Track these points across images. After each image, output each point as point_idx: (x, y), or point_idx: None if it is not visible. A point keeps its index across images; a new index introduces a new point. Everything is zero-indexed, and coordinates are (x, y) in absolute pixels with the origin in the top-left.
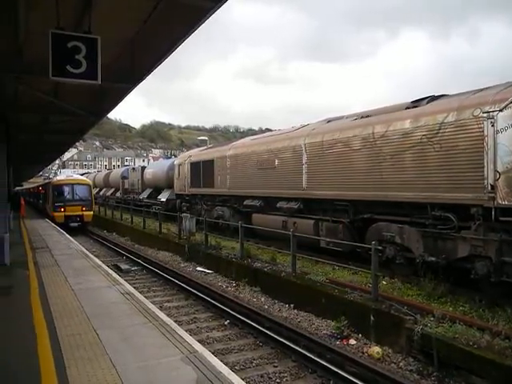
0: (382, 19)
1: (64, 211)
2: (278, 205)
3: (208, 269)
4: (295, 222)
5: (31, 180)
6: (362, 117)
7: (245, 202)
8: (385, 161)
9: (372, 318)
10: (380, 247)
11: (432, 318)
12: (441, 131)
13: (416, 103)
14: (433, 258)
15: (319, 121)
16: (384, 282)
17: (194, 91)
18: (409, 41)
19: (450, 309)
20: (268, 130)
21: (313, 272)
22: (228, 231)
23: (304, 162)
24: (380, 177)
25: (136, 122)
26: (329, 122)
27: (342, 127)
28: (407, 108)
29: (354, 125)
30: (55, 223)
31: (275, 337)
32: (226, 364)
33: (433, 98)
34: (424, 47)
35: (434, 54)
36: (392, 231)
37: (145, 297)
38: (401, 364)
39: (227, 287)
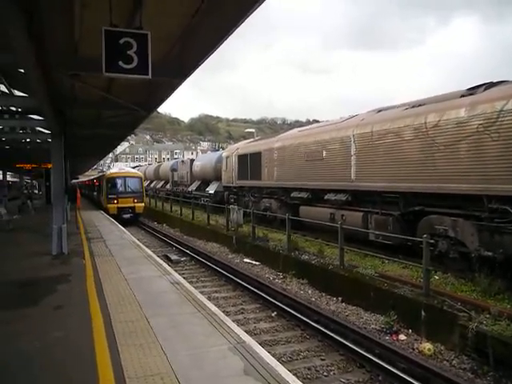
0: (431, 4)
1: (117, 203)
2: (325, 197)
3: (255, 260)
4: (343, 215)
5: (86, 173)
6: (413, 106)
7: (292, 194)
8: (438, 151)
9: (423, 313)
10: (432, 241)
11: (488, 316)
12: (499, 119)
13: (472, 91)
14: (489, 253)
15: (369, 111)
16: (436, 277)
17: (238, 83)
18: (460, 26)
19: (508, 306)
20: (315, 121)
21: (361, 265)
22: (275, 223)
23: (353, 153)
24: (433, 168)
25: (185, 116)
26: (379, 111)
27: (392, 117)
28: (462, 96)
29: (406, 114)
30: (109, 214)
31: (323, 330)
32: (273, 355)
33: (490, 85)
34: (477, 32)
35: (488, 39)
36: (445, 224)
37: (193, 287)
38: (454, 362)
39: (274, 279)
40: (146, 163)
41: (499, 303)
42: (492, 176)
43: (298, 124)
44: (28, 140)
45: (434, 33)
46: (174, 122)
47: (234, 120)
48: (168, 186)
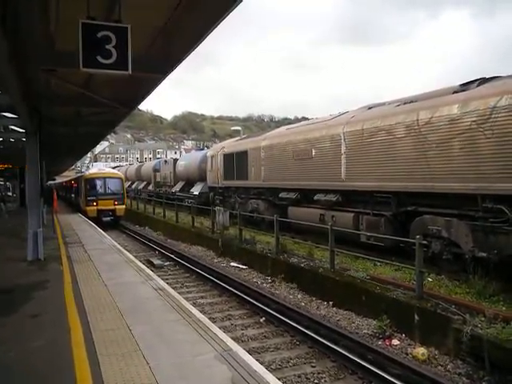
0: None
1: (96, 205)
2: (315, 197)
3: (242, 264)
4: (333, 216)
5: (64, 174)
6: (405, 103)
7: (280, 195)
8: (431, 149)
9: (416, 317)
10: (425, 242)
11: (483, 318)
12: (493, 116)
13: (465, 87)
14: (484, 254)
15: (359, 108)
16: (429, 279)
17: (224, 80)
18: (450, 21)
19: (504, 308)
20: (304, 118)
21: (353, 268)
22: (263, 225)
23: (343, 151)
24: (426, 167)
25: (167, 113)
26: (370, 108)
27: (383, 114)
28: (455, 92)
29: (397, 111)
30: (88, 218)
31: (313, 336)
32: (261, 363)
33: (483, 81)
34: (467, 27)
35: (480, 34)
36: (438, 225)
37: (178, 293)
38: (448, 367)
39: (262, 283)
40: (127, 163)
41: (494, 305)
42: (486, 174)
43: (286, 122)
44: (0, 139)
45: (425, 27)
46: (157, 119)
47: (220, 118)
48: (150, 187)
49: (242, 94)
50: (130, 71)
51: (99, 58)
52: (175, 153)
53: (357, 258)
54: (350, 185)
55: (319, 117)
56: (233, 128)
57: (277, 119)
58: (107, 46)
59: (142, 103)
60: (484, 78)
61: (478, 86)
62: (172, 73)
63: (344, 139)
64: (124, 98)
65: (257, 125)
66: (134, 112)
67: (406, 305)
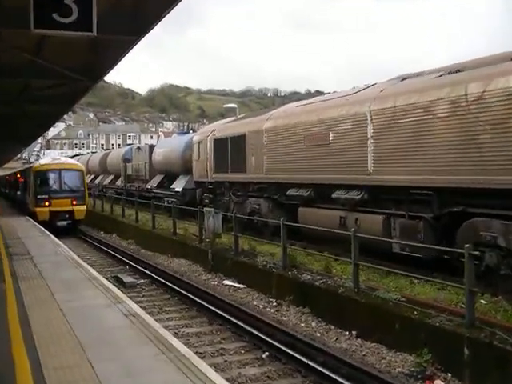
0: None
1: (49, 206)
2: (333, 195)
3: (239, 282)
4: (357, 219)
5: (7, 165)
6: (449, 72)
7: (288, 192)
8: (484, 133)
9: (466, 351)
10: (477, 252)
11: None
12: None
13: None
14: None
15: (390, 79)
16: (483, 301)
17: (214, 45)
18: None
19: None
20: (318, 93)
21: (382, 287)
22: (265, 231)
23: (369, 135)
24: (477, 155)
25: (141, 87)
26: (403, 80)
27: (421, 87)
28: None
29: (440, 83)
30: (38, 221)
31: (332, 376)
32: None
33: None
34: None
35: None
36: (494, 230)
37: (155, 320)
38: None
39: (265, 307)
40: (89, 151)
41: None
42: None
43: (295, 97)
44: None
45: None
46: (128, 94)
47: (209, 92)
48: (119, 183)
49: (238, 62)
50: (94, 32)
51: (55, 16)
52: (151, 137)
53: (388, 273)
54: (379, 179)
55: (338, 91)
56: (226, 105)
57: (283, 93)
58: (66, 1)
59: (109, 74)
60: None
61: None
62: (147, 35)
63: (371, 119)
64: (86, 67)
65: (257, 101)
66: (99, 85)
67: (453, 335)
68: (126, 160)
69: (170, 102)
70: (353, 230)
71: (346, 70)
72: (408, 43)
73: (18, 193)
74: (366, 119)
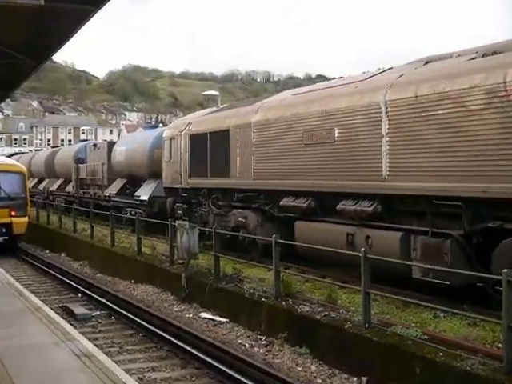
0: None
1: None
2: (338, 206)
3: (220, 315)
4: (369, 236)
5: None
6: (484, 54)
7: (282, 202)
8: None
9: None
10: None
11: None
12: None
13: None
14: None
15: (410, 62)
16: None
17: (190, 19)
18: None
19: None
20: (321, 78)
21: (400, 322)
22: (254, 251)
23: (384, 132)
24: None
25: (99, 69)
26: (427, 63)
27: (450, 73)
28: None
29: (472, 68)
30: None
31: None
32: None
33: None
34: None
35: None
36: None
37: (114, 361)
38: None
39: (253, 347)
40: (32, 148)
41: None
42: None
43: (291, 83)
44: None
45: None
46: (81, 78)
47: (184, 75)
48: (70, 188)
49: (219, 39)
50: (41, 0)
51: None
52: (111, 132)
53: (406, 304)
54: (396, 186)
55: (346, 76)
56: (205, 92)
57: (276, 78)
58: None
59: (59, 52)
60: None
61: None
62: (107, 4)
63: (386, 112)
64: (30, 44)
65: (244, 87)
66: (46, 66)
67: (488, 382)
68: (79, 160)
69: (134, 88)
70: (363, 250)
71: (354, 51)
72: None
73: None
74: (380, 112)
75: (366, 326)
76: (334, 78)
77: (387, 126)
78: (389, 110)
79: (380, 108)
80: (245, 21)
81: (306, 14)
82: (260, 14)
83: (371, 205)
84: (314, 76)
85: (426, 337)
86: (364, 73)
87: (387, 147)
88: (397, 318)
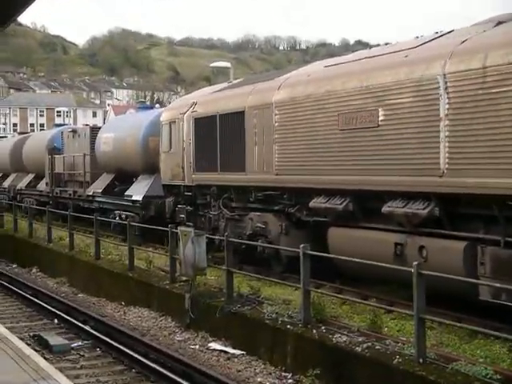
0: None
1: None
2: (384, 208)
3: (233, 346)
4: (423, 247)
5: None
6: None
7: (312, 203)
8: None
9: None
10: None
11: None
12: None
13: None
14: None
15: (477, 23)
16: None
17: None
18: None
19: None
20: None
21: (464, 357)
22: (276, 265)
23: (443, 113)
24: None
25: (78, 35)
26: (498, 24)
27: None
28: None
29: None
30: None
31: None
32: None
33: None
34: None
35: None
36: None
37: None
38: None
39: None
40: None
41: None
42: None
43: (323, 51)
44: None
45: None
46: (56, 46)
47: (186, 42)
48: (43, 186)
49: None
50: None
51: None
52: (94, 115)
53: (472, 334)
54: (458, 183)
55: (391, 43)
56: (214, 64)
57: (304, 46)
58: None
59: (26, 12)
60: None
61: None
62: None
63: (445, 88)
64: None
65: (263, 57)
66: (10, 30)
67: None
68: (54, 150)
69: (123, 59)
70: (415, 264)
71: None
72: None
73: None
74: (438, 88)
75: (421, 361)
76: (378, 45)
77: (446, 106)
78: (449, 85)
79: (437, 83)
80: None
81: None
82: None
83: (426, 206)
84: (351, 42)
85: (498, 376)
86: (417, 38)
87: (446, 133)
88: (460, 351)
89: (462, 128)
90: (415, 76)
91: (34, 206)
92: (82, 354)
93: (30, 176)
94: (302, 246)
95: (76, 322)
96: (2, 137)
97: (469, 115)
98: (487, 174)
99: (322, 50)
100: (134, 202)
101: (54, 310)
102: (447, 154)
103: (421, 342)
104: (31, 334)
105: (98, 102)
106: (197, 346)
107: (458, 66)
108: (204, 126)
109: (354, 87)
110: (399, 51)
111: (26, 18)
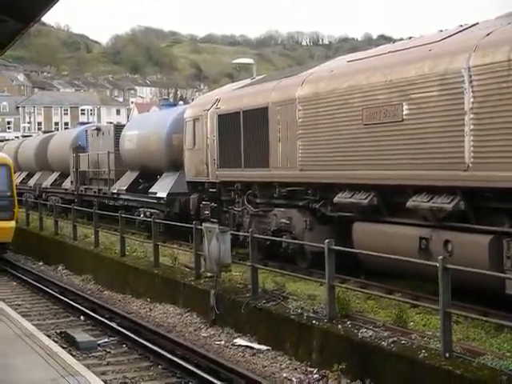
0: None
1: None
2: (409, 203)
3: (259, 342)
4: (448, 241)
5: None
6: None
7: (336, 198)
8: None
9: None
10: None
11: None
12: None
13: None
14: None
15: (502, 16)
16: None
17: None
18: None
19: None
20: (384, 40)
21: (491, 351)
22: (301, 260)
23: (468, 106)
24: None
25: (102, 33)
26: None
27: None
28: None
29: None
30: None
31: None
32: None
33: None
34: None
35: None
36: None
37: None
38: None
39: (302, 382)
40: (19, 134)
41: None
42: None
43: (346, 46)
44: None
45: None
46: (80, 44)
47: (208, 40)
48: (68, 184)
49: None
50: None
51: None
52: (118, 112)
53: (499, 328)
54: (483, 176)
55: (415, 36)
56: (237, 61)
57: (327, 40)
58: None
59: (50, 12)
60: None
61: None
62: None
63: (470, 81)
64: (13, 2)
65: (285, 53)
66: (34, 30)
67: None
68: (79, 149)
69: (147, 57)
70: (441, 258)
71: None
72: None
73: None
74: (462, 81)
75: (447, 355)
76: (401, 40)
77: (471, 100)
78: (473, 78)
79: (462, 76)
80: None
81: None
82: None
83: (451, 201)
84: (374, 37)
85: None
86: (440, 31)
87: (471, 126)
88: (487, 345)
89: (486, 121)
90: (439, 70)
91: (60, 204)
92: (108, 350)
93: (55, 174)
94: (326, 241)
95: (102, 318)
96: (27, 136)
97: (494, 108)
98: None
99: (345, 45)
100: (159, 199)
101: (80, 307)
102: (472, 148)
103: (447, 336)
104: (58, 331)
105: (121, 99)
106: (222, 342)
107: (482, 59)
108: (228, 122)
109: (377, 82)
110: (423, 45)
111: (50, 17)
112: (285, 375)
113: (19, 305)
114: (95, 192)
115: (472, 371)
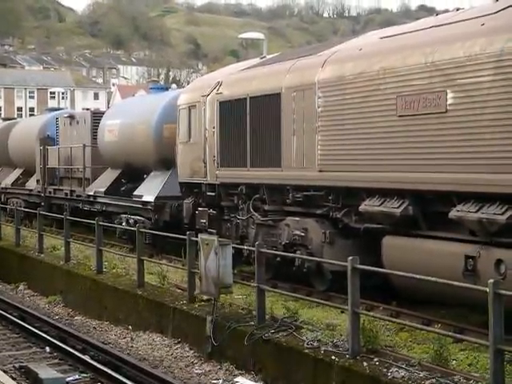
0: None
1: None
2: (452, 213)
3: (266, 380)
4: (501, 260)
5: None
6: None
7: (363, 206)
8: None
9: None
10: None
11: None
12: None
13: None
14: None
15: None
16: None
17: None
18: None
19: None
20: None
21: None
22: (318, 281)
23: None
24: None
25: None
26: None
27: None
28: None
29: None
30: None
31: None
32: None
33: None
34: None
35: None
36: None
37: None
38: None
39: None
40: None
41: None
42: None
43: (378, 19)
44: None
45: None
46: (49, 12)
47: (208, 9)
48: (32, 184)
49: None
50: None
51: None
52: (96, 97)
53: None
54: None
55: (462, 7)
56: (243, 35)
57: (354, 12)
58: None
59: None
60: None
61: None
62: None
63: None
64: None
65: (303, 27)
66: None
67: None
68: (47, 140)
69: (132, 29)
70: (491, 282)
71: None
72: None
73: None
74: None
75: None
76: (447, 11)
77: None
78: None
79: None
80: None
81: None
82: None
83: (505, 211)
84: (413, 8)
85: None
86: (496, 1)
87: None
88: None
89: None
90: (495, 49)
91: (22, 209)
92: None
93: (18, 172)
94: (349, 258)
95: (72, 350)
96: None
97: None
98: None
99: (377, 18)
100: (145, 203)
101: (45, 335)
102: None
103: (499, 379)
104: (17, 365)
105: (100, 81)
106: (220, 381)
107: None
108: (231, 110)
109: (416, 63)
110: (474, 18)
111: None
112: None
113: None
114: (66, 194)
115: None
